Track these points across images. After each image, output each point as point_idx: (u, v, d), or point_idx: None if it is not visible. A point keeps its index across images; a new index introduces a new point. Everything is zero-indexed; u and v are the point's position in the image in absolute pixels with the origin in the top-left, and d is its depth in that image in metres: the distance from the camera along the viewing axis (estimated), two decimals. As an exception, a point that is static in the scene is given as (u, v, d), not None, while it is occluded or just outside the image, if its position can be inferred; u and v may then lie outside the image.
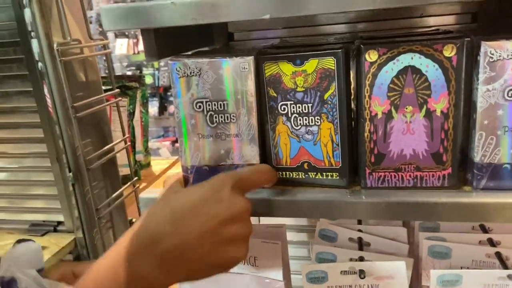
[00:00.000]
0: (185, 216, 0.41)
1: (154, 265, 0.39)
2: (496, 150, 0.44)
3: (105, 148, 0.71)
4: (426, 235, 0.56)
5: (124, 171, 1.04)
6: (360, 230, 0.62)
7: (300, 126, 0.49)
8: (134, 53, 3.58)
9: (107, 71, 0.89)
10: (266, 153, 0.51)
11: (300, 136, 0.50)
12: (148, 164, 1.22)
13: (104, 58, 0.89)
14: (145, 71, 3.62)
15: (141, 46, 3.31)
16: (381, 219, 0.47)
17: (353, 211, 0.48)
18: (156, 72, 3.66)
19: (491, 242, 0.56)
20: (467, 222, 0.59)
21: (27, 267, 0.54)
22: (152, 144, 3.26)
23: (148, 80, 3.55)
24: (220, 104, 0.49)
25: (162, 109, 3.80)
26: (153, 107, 3.68)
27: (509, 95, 0.43)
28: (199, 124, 0.50)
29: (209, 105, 0.49)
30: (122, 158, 1.06)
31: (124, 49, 3.55)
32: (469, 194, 0.45)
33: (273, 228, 0.62)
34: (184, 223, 0.40)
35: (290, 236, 0.76)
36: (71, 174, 0.72)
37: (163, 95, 3.73)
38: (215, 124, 0.50)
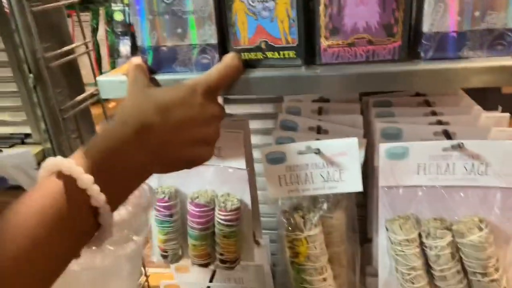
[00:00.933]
0: (168, 110, 0.43)
1: (146, 152, 0.42)
2: (443, 17, 0.45)
3: (64, 48, 0.69)
4: (380, 120, 0.59)
5: (90, 90, 1.03)
6: (319, 120, 0.64)
7: (256, 2, 0.49)
8: (101, -13, 3.39)
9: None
10: (224, 34, 0.52)
11: (257, 14, 0.50)
12: (116, 85, 1.20)
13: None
14: (114, 7, 3.44)
15: (108, -20, 3.12)
16: (335, 91, 0.48)
17: (310, 85, 0.49)
18: (126, 8, 3.48)
19: (440, 124, 0.59)
20: (419, 109, 0.62)
21: (18, 167, 0.54)
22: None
23: (118, 16, 3.39)
24: (175, -22, 0.48)
25: (135, 49, 3.66)
26: (125, 46, 3.54)
27: (458, -41, 0.43)
28: None
29: (163, -22, 0.48)
30: (87, 76, 1.04)
31: (90, -17, 3.35)
32: (417, 64, 0.47)
33: (236, 120, 0.63)
34: (167, 115, 0.43)
35: (256, 124, 0.77)
36: (31, 75, 0.70)
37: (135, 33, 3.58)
38: (170, 0, 0.49)
